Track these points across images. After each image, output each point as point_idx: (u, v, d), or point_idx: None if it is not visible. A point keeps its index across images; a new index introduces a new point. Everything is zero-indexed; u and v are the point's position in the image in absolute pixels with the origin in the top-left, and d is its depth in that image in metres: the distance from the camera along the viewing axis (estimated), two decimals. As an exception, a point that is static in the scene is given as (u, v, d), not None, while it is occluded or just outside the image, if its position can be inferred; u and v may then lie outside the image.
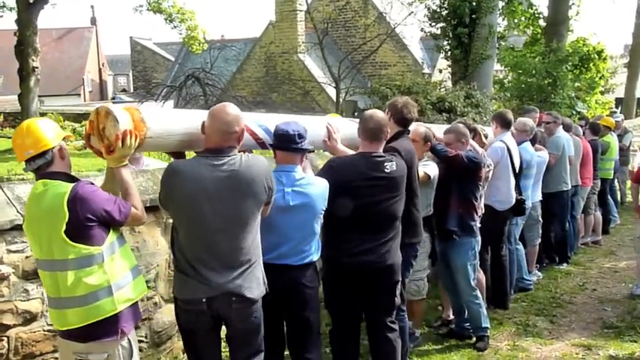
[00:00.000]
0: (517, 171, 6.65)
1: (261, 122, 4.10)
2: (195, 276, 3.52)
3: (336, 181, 4.17)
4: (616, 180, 11.56)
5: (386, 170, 4.34)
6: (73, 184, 3.26)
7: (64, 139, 3.43)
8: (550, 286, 7.70)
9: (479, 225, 5.85)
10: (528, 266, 7.79)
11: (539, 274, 8.03)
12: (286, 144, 4.01)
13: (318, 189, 4.08)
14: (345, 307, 4.41)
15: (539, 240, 7.98)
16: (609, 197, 10.92)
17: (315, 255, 4.14)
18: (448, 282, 6.07)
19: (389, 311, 4.58)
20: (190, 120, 3.79)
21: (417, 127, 5.45)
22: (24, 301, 4.11)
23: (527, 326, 6.34)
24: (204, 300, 3.52)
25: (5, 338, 4.13)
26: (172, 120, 3.75)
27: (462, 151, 5.60)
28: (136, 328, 3.73)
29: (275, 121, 4.16)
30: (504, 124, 6.72)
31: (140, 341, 4.95)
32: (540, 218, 7.86)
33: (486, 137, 6.37)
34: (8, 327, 4.14)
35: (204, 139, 3.59)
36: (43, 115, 21.25)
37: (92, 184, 3.38)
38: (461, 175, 5.58)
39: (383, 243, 4.37)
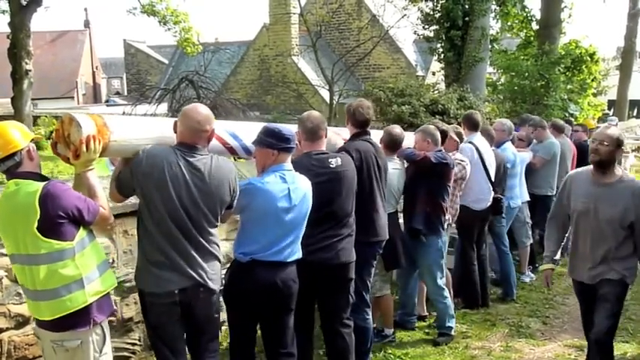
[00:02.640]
0: (492, 171, 6.70)
1: (229, 129, 4.23)
2: (169, 266, 3.64)
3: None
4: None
5: (331, 166, 4.48)
6: (44, 183, 3.36)
7: (32, 140, 3.50)
8: (543, 287, 7.71)
9: (447, 225, 6.00)
10: (521, 267, 7.84)
11: (533, 275, 8.06)
12: (291, 143, 4.11)
13: (310, 186, 4.20)
14: (302, 299, 4.40)
15: (531, 241, 8.02)
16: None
17: (300, 252, 4.21)
18: (402, 277, 6.27)
19: (343, 308, 4.71)
20: (155, 126, 3.98)
21: (388, 128, 5.64)
22: (17, 304, 4.11)
23: (520, 327, 6.37)
24: (176, 291, 3.65)
25: (-2, 341, 4.14)
26: (137, 126, 3.93)
27: (428, 151, 5.70)
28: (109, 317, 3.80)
29: (243, 129, 4.32)
30: (472, 125, 6.83)
31: (133, 344, 4.98)
32: (529, 219, 7.90)
33: (460, 137, 6.45)
34: (1, 330, 4.15)
35: (177, 137, 3.74)
36: (36, 118, 21.23)
37: (63, 183, 3.48)
38: (429, 175, 5.69)
39: (338, 240, 4.52)
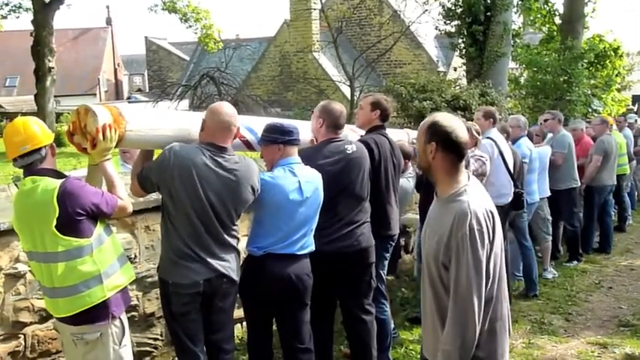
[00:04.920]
0: (511, 166, 6.66)
1: (245, 123, 4.26)
2: (195, 259, 3.71)
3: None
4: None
5: (347, 151, 4.53)
6: (61, 180, 3.38)
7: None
8: (566, 284, 7.67)
9: None
10: (543, 263, 7.80)
11: (555, 272, 8.00)
12: (294, 136, 4.17)
13: (320, 178, 4.24)
14: (321, 292, 4.43)
15: (551, 237, 7.98)
16: (626, 195, 10.80)
17: (313, 244, 4.25)
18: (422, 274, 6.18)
19: (365, 294, 4.73)
20: (172, 117, 4.05)
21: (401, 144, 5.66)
22: (40, 298, 4.14)
23: (542, 324, 6.32)
24: (201, 282, 3.72)
25: (22, 336, 4.18)
26: (153, 116, 3.99)
27: None
28: (127, 311, 3.82)
29: (259, 123, 4.34)
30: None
31: (155, 339, 5.00)
32: (549, 215, 7.85)
33: (479, 133, 6.41)
34: (25, 325, 4.18)
35: (204, 135, 3.78)
36: (59, 115, 21.43)
37: (79, 179, 3.50)
38: None
39: (357, 227, 4.55)
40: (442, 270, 2.84)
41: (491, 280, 2.81)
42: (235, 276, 3.91)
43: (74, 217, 3.32)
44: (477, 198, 2.86)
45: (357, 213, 4.57)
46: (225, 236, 3.81)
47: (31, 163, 3.42)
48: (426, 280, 2.99)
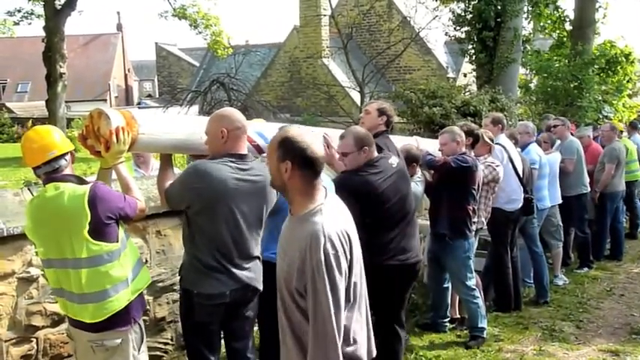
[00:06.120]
0: (520, 171, 6.65)
1: (256, 128, 4.29)
2: (222, 271, 3.69)
3: (367, 188, 4.39)
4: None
5: (393, 166, 4.57)
6: (89, 185, 3.39)
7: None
8: (576, 290, 7.64)
9: (477, 228, 6.04)
10: (554, 270, 7.78)
11: (565, 278, 7.97)
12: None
13: (333, 186, 4.25)
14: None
15: (562, 243, 7.96)
16: (638, 202, 10.75)
17: None
18: (432, 280, 6.27)
19: (404, 307, 4.81)
20: (184, 121, 4.11)
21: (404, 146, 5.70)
22: (52, 302, 4.16)
23: (553, 331, 6.29)
24: (227, 292, 3.70)
25: (34, 339, 4.20)
26: (165, 120, 4.04)
27: (456, 152, 5.72)
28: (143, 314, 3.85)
29: (269, 128, 4.35)
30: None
31: (166, 344, 5.01)
32: (560, 222, 7.83)
33: (492, 140, 6.40)
34: (37, 328, 4.20)
35: (223, 146, 3.71)
36: (70, 120, 21.53)
37: (104, 184, 3.53)
38: (451, 180, 5.68)
39: (414, 238, 4.64)
40: (296, 296, 2.66)
41: (350, 304, 2.67)
42: (260, 285, 3.88)
43: (104, 221, 3.34)
44: (332, 219, 2.65)
45: (413, 224, 4.67)
46: (252, 246, 3.79)
47: (56, 169, 3.42)
48: (280, 309, 2.79)
